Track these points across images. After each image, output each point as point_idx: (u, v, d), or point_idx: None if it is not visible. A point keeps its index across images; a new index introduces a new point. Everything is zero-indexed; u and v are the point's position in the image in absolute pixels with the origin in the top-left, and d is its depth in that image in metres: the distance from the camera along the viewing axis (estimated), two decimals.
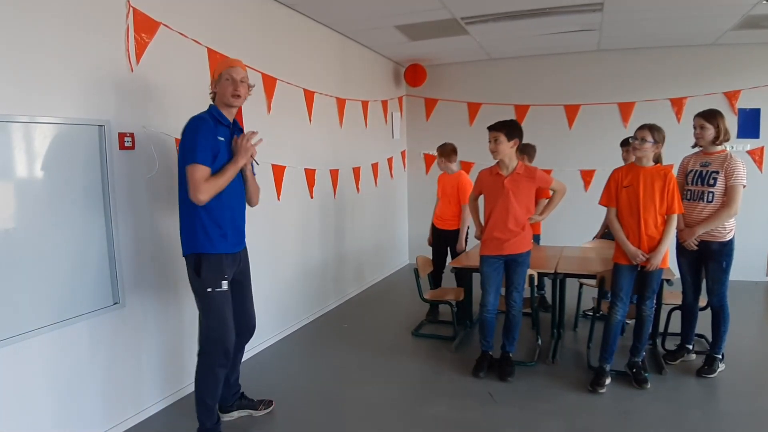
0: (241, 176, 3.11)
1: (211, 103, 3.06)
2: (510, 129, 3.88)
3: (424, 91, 7.92)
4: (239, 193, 3.13)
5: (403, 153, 8.18)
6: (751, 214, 6.30)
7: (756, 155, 6.57)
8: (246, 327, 3.32)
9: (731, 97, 6.59)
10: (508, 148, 3.88)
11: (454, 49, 6.89)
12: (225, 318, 2.99)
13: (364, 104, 6.71)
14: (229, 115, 3.06)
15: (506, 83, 7.57)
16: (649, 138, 3.57)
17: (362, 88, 6.70)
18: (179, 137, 3.02)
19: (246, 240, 3.29)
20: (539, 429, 3.28)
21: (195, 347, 3.19)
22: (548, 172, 7.06)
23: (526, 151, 5.39)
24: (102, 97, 3.10)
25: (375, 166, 7.09)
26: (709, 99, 6.53)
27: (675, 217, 3.62)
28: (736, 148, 6.51)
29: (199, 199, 2.81)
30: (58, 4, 2.84)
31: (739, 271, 6.31)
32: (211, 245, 2.93)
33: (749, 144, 6.59)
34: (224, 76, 3.00)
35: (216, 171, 2.87)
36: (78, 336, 3.00)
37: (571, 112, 7.26)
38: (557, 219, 6.48)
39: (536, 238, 5.57)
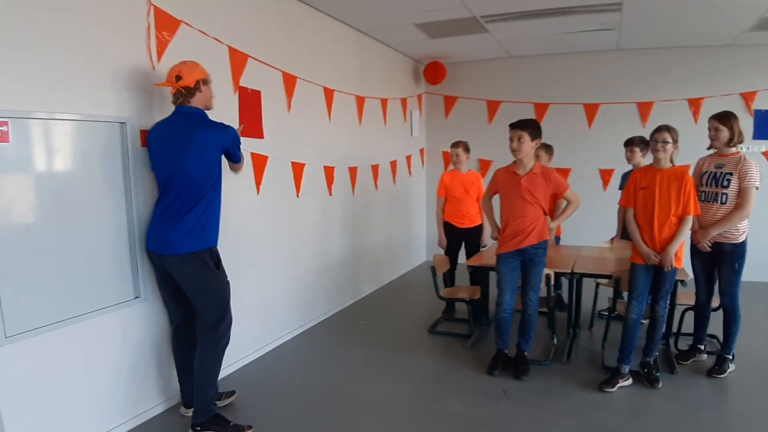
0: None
1: (189, 103, 3.14)
2: (534, 129, 3.92)
3: (443, 89, 7.96)
4: None
5: (421, 151, 8.23)
6: (765, 216, 6.26)
7: None
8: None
9: (747, 98, 6.58)
10: (530, 148, 3.92)
11: (473, 46, 6.92)
12: (228, 301, 3.29)
13: (384, 102, 6.77)
14: None
15: (526, 81, 7.59)
16: (669, 139, 3.63)
17: (381, 86, 6.75)
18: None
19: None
20: (551, 427, 3.34)
21: None
22: (567, 171, 7.20)
23: (548, 150, 5.41)
24: (124, 94, 3.16)
25: (393, 164, 7.14)
26: (726, 100, 6.54)
27: (689, 219, 3.65)
28: (752, 149, 6.50)
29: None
30: (81, 2, 2.91)
31: (753, 272, 6.33)
32: (216, 239, 3.23)
33: (764, 145, 6.57)
34: (210, 81, 3.22)
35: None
36: (98, 330, 3.07)
37: (591, 111, 7.26)
38: (576, 219, 6.51)
39: (556, 239, 5.60)
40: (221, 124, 3.16)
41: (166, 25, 3.46)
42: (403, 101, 7.43)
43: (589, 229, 6.36)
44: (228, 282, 3.29)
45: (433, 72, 7.61)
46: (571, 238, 6.04)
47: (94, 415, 3.10)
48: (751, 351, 4.36)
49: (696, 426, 3.30)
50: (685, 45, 6.67)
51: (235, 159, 3.33)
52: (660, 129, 3.68)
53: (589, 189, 7.14)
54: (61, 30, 2.82)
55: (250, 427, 3.25)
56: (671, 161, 3.72)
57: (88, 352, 3.04)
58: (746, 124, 6.55)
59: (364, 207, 6.39)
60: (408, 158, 7.66)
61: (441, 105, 8.11)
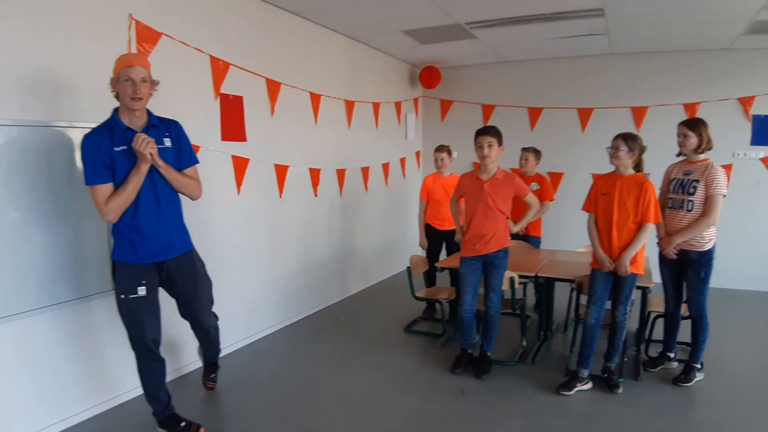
0: (160, 181, 2.97)
1: (117, 105, 2.92)
2: (500, 136, 4.02)
3: (439, 93, 8.02)
4: (157, 201, 2.98)
5: (417, 153, 8.29)
6: (735, 223, 6.15)
7: None
8: (199, 326, 3.43)
9: (745, 103, 6.46)
10: (497, 154, 4.01)
11: (466, 51, 6.95)
12: (140, 321, 2.98)
13: (375, 106, 6.85)
14: (131, 118, 2.90)
15: (520, 85, 7.60)
16: (623, 147, 3.66)
17: (374, 90, 6.83)
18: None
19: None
20: (499, 426, 3.40)
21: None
22: (560, 175, 7.21)
23: (537, 155, 5.51)
24: (106, 104, 3.27)
25: (385, 166, 7.21)
26: (723, 104, 6.47)
27: (649, 227, 3.66)
28: (749, 155, 6.43)
29: (107, 220, 2.89)
30: (66, 18, 3.14)
31: (749, 281, 6.32)
32: (122, 254, 2.95)
33: (762, 151, 6.44)
34: (122, 76, 2.80)
35: (120, 182, 2.84)
36: (82, 315, 3.32)
37: (585, 115, 7.23)
38: (567, 223, 6.54)
39: (536, 241, 5.65)
40: None
41: (147, 37, 3.63)
42: (397, 105, 7.49)
43: (580, 233, 6.34)
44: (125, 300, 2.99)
45: (428, 76, 7.69)
46: (561, 242, 6.07)
47: (81, 393, 3.35)
48: (722, 360, 4.33)
49: None
50: (681, 49, 6.60)
51: None
52: (616, 137, 3.73)
53: (581, 193, 7.07)
54: (48, 45, 3.06)
55: (199, 428, 3.20)
56: (640, 168, 3.75)
57: (73, 335, 3.27)
58: (744, 129, 6.51)
59: (353, 208, 6.48)
60: (402, 161, 7.73)
61: (437, 108, 8.18)
